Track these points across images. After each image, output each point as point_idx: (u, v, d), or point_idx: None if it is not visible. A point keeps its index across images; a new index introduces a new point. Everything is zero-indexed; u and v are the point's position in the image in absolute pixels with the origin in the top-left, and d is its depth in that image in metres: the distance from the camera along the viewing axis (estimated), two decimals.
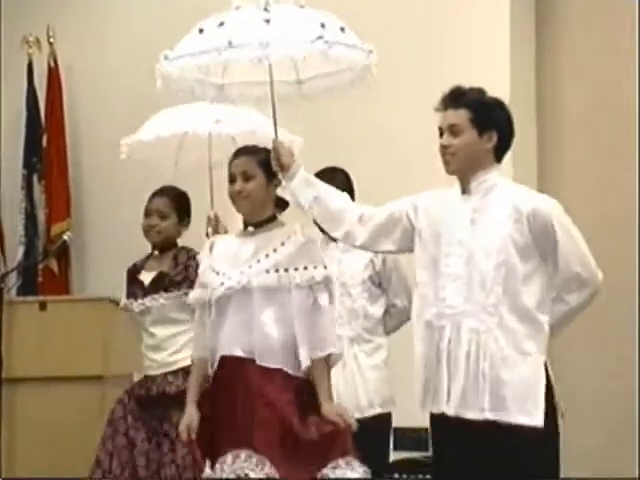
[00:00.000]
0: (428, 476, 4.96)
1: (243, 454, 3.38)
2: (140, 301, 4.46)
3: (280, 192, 3.63)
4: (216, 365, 3.55)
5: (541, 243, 3.36)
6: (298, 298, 3.51)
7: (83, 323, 5.19)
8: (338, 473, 3.39)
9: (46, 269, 6.54)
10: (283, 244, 3.56)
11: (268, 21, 3.44)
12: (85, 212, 6.67)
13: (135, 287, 4.51)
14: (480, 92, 3.49)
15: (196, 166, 4.64)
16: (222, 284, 3.55)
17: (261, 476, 3.33)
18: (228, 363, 3.52)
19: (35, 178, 6.66)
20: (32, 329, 5.42)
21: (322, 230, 3.85)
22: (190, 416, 3.59)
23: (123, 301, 4.55)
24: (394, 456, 4.93)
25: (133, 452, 4.38)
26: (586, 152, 5.16)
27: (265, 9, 3.49)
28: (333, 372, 3.65)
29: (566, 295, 3.43)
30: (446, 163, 3.45)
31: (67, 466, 4.84)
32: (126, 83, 6.23)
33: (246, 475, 3.35)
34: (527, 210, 3.34)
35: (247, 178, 3.59)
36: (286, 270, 3.52)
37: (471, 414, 3.32)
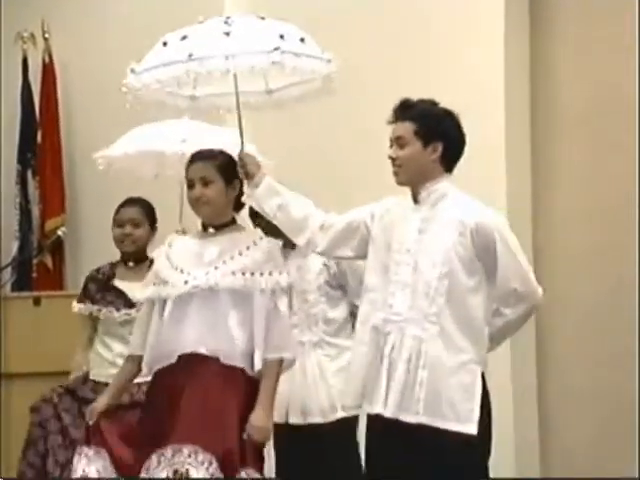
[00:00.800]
0: None
1: (186, 449, 3.35)
2: (125, 311, 4.45)
3: (245, 199, 3.69)
4: (173, 360, 3.54)
5: (483, 257, 3.44)
6: (260, 302, 3.55)
7: (77, 318, 5.18)
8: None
9: (40, 264, 6.56)
10: (249, 248, 3.60)
11: (228, 34, 3.54)
12: (80, 207, 6.67)
13: (111, 296, 4.49)
14: (430, 104, 3.57)
15: (172, 182, 4.65)
16: (186, 282, 3.56)
17: (205, 474, 3.30)
18: (187, 360, 3.52)
19: (29, 173, 6.66)
20: (26, 324, 5.45)
21: (280, 237, 3.83)
22: (99, 403, 3.61)
23: (92, 308, 4.50)
24: None
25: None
26: (581, 150, 5.15)
27: (226, 22, 3.59)
28: (296, 378, 3.93)
29: (504, 309, 3.52)
30: (395, 174, 3.54)
31: None
32: (121, 79, 6.21)
33: (186, 471, 3.31)
34: (471, 224, 3.43)
35: (206, 183, 3.61)
36: (252, 274, 3.55)
37: (407, 417, 3.40)
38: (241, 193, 3.69)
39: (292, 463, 4.36)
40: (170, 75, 3.56)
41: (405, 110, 3.51)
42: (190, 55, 3.48)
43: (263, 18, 3.68)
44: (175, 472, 3.32)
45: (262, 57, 3.49)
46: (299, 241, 3.71)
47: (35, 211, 6.62)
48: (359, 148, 5.35)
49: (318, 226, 3.66)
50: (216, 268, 3.56)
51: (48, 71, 6.64)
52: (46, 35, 6.60)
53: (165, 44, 3.63)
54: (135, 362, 3.68)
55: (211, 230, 3.67)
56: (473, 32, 5.15)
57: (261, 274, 3.56)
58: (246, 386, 3.52)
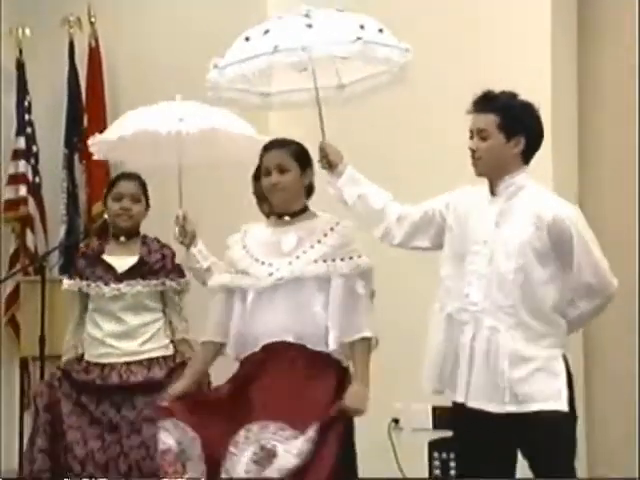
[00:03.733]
0: None
1: (272, 426, 3.49)
2: (114, 286, 4.44)
3: (325, 187, 3.78)
4: (257, 349, 3.66)
5: (559, 250, 3.49)
6: (336, 285, 3.65)
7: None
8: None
9: None
10: (326, 235, 3.70)
11: (310, 26, 3.62)
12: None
13: (100, 271, 4.48)
14: (511, 96, 3.58)
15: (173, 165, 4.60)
16: (271, 274, 3.67)
17: (291, 451, 3.43)
18: (274, 348, 3.64)
19: (76, 157, 6.68)
20: None
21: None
22: (175, 389, 3.75)
23: (81, 283, 4.49)
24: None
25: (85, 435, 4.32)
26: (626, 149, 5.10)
27: (306, 15, 3.68)
28: None
29: (578, 301, 3.57)
30: (474, 165, 3.58)
31: None
32: (167, 63, 6.23)
33: (273, 446, 3.45)
34: (548, 218, 3.47)
35: (282, 170, 3.72)
36: (333, 260, 3.67)
37: (492, 407, 3.47)
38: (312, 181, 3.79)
39: None
40: (255, 68, 3.63)
41: (487, 102, 3.53)
42: (276, 47, 3.55)
43: (341, 11, 3.76)
44: (262, 448, 3.46)
45: (346, 47, 3.56)
46: (376, 232, 3.80)
47: (82, 195, 6.65)
48: (417, 146, 5.33)
49: (395, 218, 3.73)
50: (297, 257, 3.68)
51: (94, 55, 6.65)
52: (92, 19, 6.61)
53: (247, 39, 3.71)
54: (210, 348, 3.82)
55: (286, 218, 3.77)
56: (519, 36, 5.13)
57: (341, 259, 3.68)
58: (333, 369, 3.65)
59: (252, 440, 3.49)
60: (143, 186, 4.54)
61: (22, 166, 6.65)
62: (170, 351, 4.52)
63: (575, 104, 5.21)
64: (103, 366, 4.43)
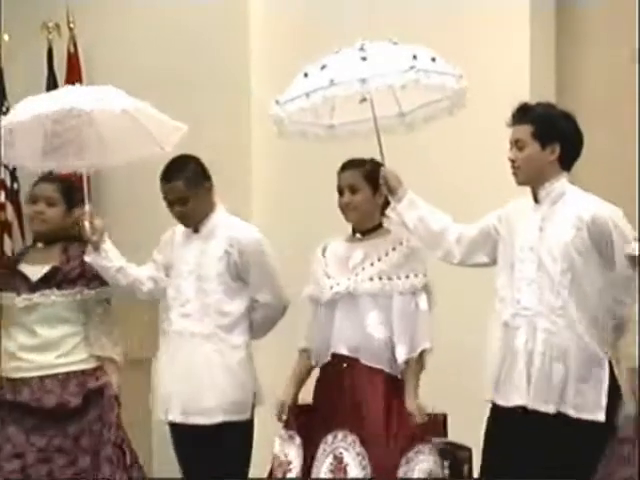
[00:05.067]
0: None
1: (340, 434, 3.81)
2: (25, 296, 4.21)
3: (387, 212, 3.99)
4: (327, 359, 3.97)
5: (601, 248, 3.64)
6: (400, 303, 3.90)
7: None
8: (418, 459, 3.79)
9: None
10: (387, 254, 3.95)
11: (365, 58, 3.81)
12: (104, 198, 6.65)
13: (16, 280, 4.25)
14: (547, 106, 3.77)
15: None
16: (331, 288, 3.96)
17: (353, 454, 3.76)
18: (337, 359, 3.93)
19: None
20: None
21: (186, 225, 4.24)
22: (287, 396, 4.06)
23: None
24: None
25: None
26: (605, 141, 5.11)
27: (361, 48, 3.85)
28: (180, 373, 4.14)
29: (624, 297, 3.70)
30: (514, 175, 3.76)
31: None
32: (147, 71, 6.21)
33: (340, 454, 3.78)
34: (587, 218, 3.63)
35: (354, 191, 3.98)
36: (389, 278, 3.91)
37: (546, 407, 3.61)
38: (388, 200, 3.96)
39: (190, 463, 4.28)
40: (313, 102, 3.80)
41: (523, 113, 3.71)
42: (331, 81, 3.73)
43: (396, 43, 3.92)
44: (335, 457, 3.81)
45: (399, 76, 3.73)
46: (437, 253, 3.94)
47: None
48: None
49: (454, 238, 3.90)
50: (357, 275, 3.94)
51: (73, 61, 6.61)
52: (71, 25, 6.59)
53: (306, 75, 3.90)
54: (305, 355, 4.13)
55: (358, 235, 4.04)
56: (497, 35, 5.17)
57: (398, 277, 3.91)
58: (385, 383, 3.89)
59: (328, 451, 3.82)
60: (64, 190, 4.33)
61: (0, 172, 6.60)
62: (90, 364, 4.31)
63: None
64: (14, 381, 4.22)
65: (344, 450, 3.79)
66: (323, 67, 3.86)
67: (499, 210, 3.88)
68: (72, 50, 6.62)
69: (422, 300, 3.93)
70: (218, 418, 4.15)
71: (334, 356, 3.95)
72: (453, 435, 4.84)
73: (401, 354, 3.87)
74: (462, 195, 5.03)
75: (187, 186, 4.23)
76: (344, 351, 3.92)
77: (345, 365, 3.91)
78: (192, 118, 5.94)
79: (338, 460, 3.80)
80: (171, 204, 4.27)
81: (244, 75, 6.13)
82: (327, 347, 3.97)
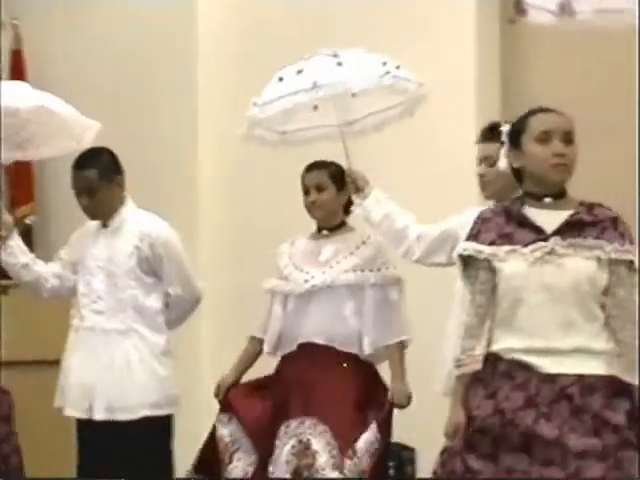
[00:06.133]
0: None
1: (308, 421, 3.97)
2: None
3: (353, 209, 4.16)
4: (293, 349, 4.16)
5: None
6: (371, 294, 4.12)
7: (45, 308, 5.15)
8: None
9: None
10: (359, 248, 4.17)
11: (340, 64, 4.01)
12: (49, 196, 6.61)
13: None
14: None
15: None
16: (306, 281, 4.15)
17: (323, 443, 3.92)
18: (307, 348, 4.13)
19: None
20: None
21: (92, 217, 4.27)
22: (225, 381, 4.23)
23: None
24: None
25: None
26: None
27: (334, 55, 4.05)
28: (101, 369, 4.17)
29: None
30: (482, 189, 3.94)
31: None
32: (92, 67, 6.18)
33: (308, 440, 3.94)
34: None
35: (320, 190, 4.20)
36: (362, 270, 4.14)
37: None
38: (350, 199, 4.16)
39: (96, 462, 4.24)
40: (296, 103, 3.97)
41: (493, 132, 3.70)
42: (315, 83, 3.91)
43: (363, 51, 4.10)
44: (299, 442, 3.94)
45: (377, 80, 3.93)
46: (398, 250, 4.07)
47: (4, 199, 6.55)
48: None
49: (415, 236, 4.01)
50: (331, 267, 4.15)
51: (17, 59, 6.55)
52: (14, 22, 6.52)
53: (281, 79, 4.07)
54: (256, 343, 4.30)
55: (325, 232, 4.24)
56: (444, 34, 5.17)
57: (371, 270, 4.14)
58: (360, 369, 4.11)
59: (290, 434, 3.96)
60: None
61: None
62: None
63: (498, 112, 5.27)
64: None
65: (312, 437, 3.94)
66: (299, 72, 4.03)
67: (460, 216, 3.97)
68: (16, 48, 6.55)
69: (393, 292, 4.15)
70: (141, 413, 4.16)
71: (304, 345, 4.13)
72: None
73: (367, 345, 4.08)
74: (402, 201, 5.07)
75: (99, 176, 4.25)
76: (320, 340, 4.11)
77: (323, 354, 4.10)
78: (138, 134, 5.99)
79: (304, 445, 3.94)
80: (79, 194, 4.28)
81: (192, 96, 6.13)
82: (295, 337, 4.15)
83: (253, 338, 4.30)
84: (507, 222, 3.21)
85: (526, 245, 3.14)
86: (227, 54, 6.07)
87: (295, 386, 4.08)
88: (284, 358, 4.22)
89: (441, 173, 5.18)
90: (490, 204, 3.86)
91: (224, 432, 4.13)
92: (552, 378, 3.07)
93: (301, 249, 4.27)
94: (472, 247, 3.22)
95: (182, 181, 6.02)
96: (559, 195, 3.20)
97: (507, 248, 3.16)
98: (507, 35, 5.34)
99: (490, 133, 3.80)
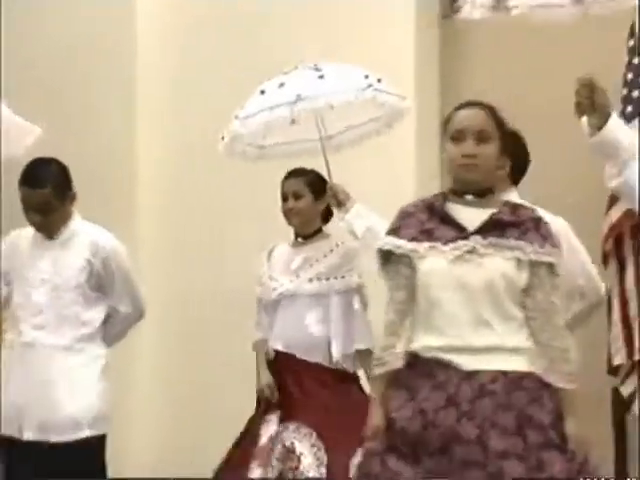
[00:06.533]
0: None
1: (291, 425, 4.11)
2: None
3: (338, 221, 4.25)
4: (273, 354, 4.29)
5: None
6: (337, 302, 4.24)
7: None
8: None
9: None
10: (326, 256, 4.29)
11: (322, 77, 4.06)
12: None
13: None
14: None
15: None
16: (274, 290, 4.28)
17: (307, 445, 4.04)
18: (280, 356, 4.27)
19: None
20: None
21: (41, 231, 4.10)
22: (268, 378, 4.27)
23: None
24: None
25: None
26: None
27: (316, 68, 4.11)
28: (36, 387, 3.99)
29: (570, 303, 3.88)
30: None
31: None
32: (32, 62, 6.06)
33: (292, 444, 4.06)
34: None
35: (297, 197, 4.29)
36: (327, 279, 4.26)
37: None
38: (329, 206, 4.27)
39: None
40: (278, 116, 3.98)
41: None
42: (298, 96, 3.93)
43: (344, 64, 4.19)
44: (283, 446, 4.09)
45: (359, 93, 3.95)
46: None
47: None
48: None
49: None
50: (298, 276, 4.28)
51: None
52: None
53: (263, 92, 4.10)
54: (263, 344, 4.38)
55: (300, 240, 4.36)
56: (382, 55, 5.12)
57: (335, 278, 4.26)
58: (325, 375, 4.22)
59: (275, 441, 4.11)
60: None
61: None
62: None
63: (438, 117, 5.24)
64: None
65: (296, 441, 4.06)
66: (281, 85, 4.07)
67: None
68: None
69: (355, 300, 4.26)
70: (81, 433, 4.01)
71: (277, 353, 4.27)
72: None
73: (335, 352, 4.19)
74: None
75: (54, 195, 4.09)
76: (281, 348, 4.24)
77: (288, 362, 4.23)
78: (78, 135, 5.88)
79: (288, 449, 4.07)
80: (30, 210, 4.10)
81: (131, 93, 6.04)
82: (269, 345, 4.29)
83: (262, 340, 4.38)
84: (429, 218, 3.17)
85: (447, 242, 3.11)
86: (167, 50, 6.00)
87: (280, 394, 4.24)
88: (268, 364, 4.32)
89: (389, 176, 5.15)
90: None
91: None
92: (471, 375, 3.03)
93: (279, 257, 4.38)
94: (392, 242, 3.17)
95: (120, 178, 5.92)
96: (481, 193, 3.17)
97: (427, 244, 3.12)
98: (447, 35, 5.36)
99: None
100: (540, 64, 5.12)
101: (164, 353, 5.89)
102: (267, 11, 5.61)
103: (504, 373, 3.04)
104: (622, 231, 4.72)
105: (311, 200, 4.28)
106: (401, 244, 3.15)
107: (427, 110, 5.06)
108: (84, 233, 4.17)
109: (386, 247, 3.18)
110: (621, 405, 4.78)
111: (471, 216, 3.14)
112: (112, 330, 4.22)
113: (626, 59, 4.76)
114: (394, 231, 3.21)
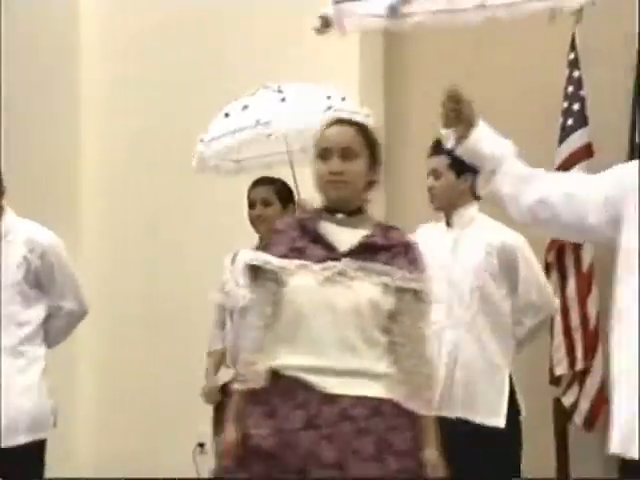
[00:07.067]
0: None
1: None
2: None
3: None
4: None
5: (506, 273, 4.00)
6: None
7: None
8: None
9: None
10: None
11: (284, 99, 4.18)
12: None
13: None
14: None
15: None
16: (244, 297, 3.97)
17: None
18: None
19: None
20: None
21: None
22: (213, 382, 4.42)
23: None
24: None
25: None
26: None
27: (279, 91, 4.23)
28: None
29: (524, 319, 4.07)
30: (431, 201, 4.13)
31: None
32: None
33: None
34: (497, 244, 3.99)
35: (266, 204, 4.32)
36: None
37: (447, 413, 3.86)
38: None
39: None
40: (240, 140, 4.14)
41: (439, 146, 3.71)
42: (257, 120, 4.06)
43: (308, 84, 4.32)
44: None
45: (319, 116, 3.87)
46: None
47: None
48: None
49: None
50: None
51: None
52: None
53: (227, 115, 4.25)
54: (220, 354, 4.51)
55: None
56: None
57: None
58: None
59: None
60: None
61: None
62: None
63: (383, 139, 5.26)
64: None
65: None
66: (245, 107, 4.20)
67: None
68: None
69: None
70: (19, 439, 3.90)
71: None
72: None
73: None
74: None
75: None
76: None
77: None
78: (20, 136, 5.83)
79: None
80: None
81: (74, 96, 6.01)
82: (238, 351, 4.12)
83: (213, 352, 4.49)
84: (301, 236, 3.16)
85: (317, 262, 3.10)
86: (109, 53, 6.02)
87: None
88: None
89: None
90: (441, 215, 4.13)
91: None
92: (333, 398, 3.01)
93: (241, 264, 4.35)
94: (261, 258, 3.16)
95: (63, 180, 5.92)
96: (353, 212, 3.18)
97: (297, 263, 3.11)
98: (391, 46, 5.38)
99: (436, 147, 3.90)
100: (480, 70, 5.14)
101: (103, 354, 5.89)
102: (210, 16, 5.63)
103: (364, 398, 3.02)
104: (564, 242, 4.77)
105: (279, 208, 4.32)
106: (270, 260, 3.14)
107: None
108: (19, 229, 4.05)
109: (255, 263, 3.17)
110: (563, 415, 4.83)
111: (343, 236, 3.14)
112: (55, 329, 4.11)
113: (567, 72, 4.82)
114: (265, 247, 3.23)
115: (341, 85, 4.97)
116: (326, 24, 3.33)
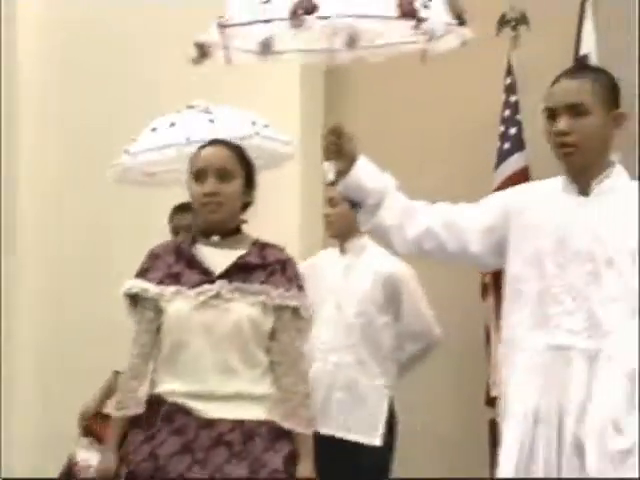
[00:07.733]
0: None
1: None
2: None
3: None
4: None
5: (391, 301, 4.18)
6: None
7: None
8: None
9: None
10: None
11: (212, 121, 4.24)
12: None
13: None
14: None
15: None
16: None
17: None
18: None
19: None
20: None
21: None
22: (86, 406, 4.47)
23: None
24: None
25: None
26: None
27: (207, 111, 4.30)
28: None
29: (405, 345, 4.27)
30: (327, 230, 4.33)
31: None
32: None
33: None
34: (384, 273, 4.15)
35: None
36: None
37: (325, 430, 3.98)
38: None
39: None
40: (168, 156, 4.17)
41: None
42: (188, 139, 4.08)
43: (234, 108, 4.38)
44: None
45: (246, 141, 3.98)
46: None
47: None
48: None
49: None
50: None
51: None
52: None
53: (154, 130, 4.29)
54: None
55: None
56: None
57: None
58: None
59: None
60: None
61: None
62: None
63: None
64: None
65: None
66: (172, 124, 4.25)
67: (311, 259, 4.37)
68: None
69: None
70: None
71: None
72: None
73: None
74: None
75: None
76: None
77: None
78: None
79: None
80: None
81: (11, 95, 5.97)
82: None
83: None
84: (177, 261, 3.16)
85: (192, 287, 3.10)
86: (49, 59, 6.04)
87: None
88: None
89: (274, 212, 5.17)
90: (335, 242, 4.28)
91: (84, 456, 4.29)
92: (211, 423, 3.04)
93: None
94: (139, 285, 3.16)
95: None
96: (229, 233, 3.19)
97: (173, 289, 3.11)
98: (331, 83, 5.41)
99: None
100: (419, 98, 5.23)
101: (40, 353, 6.02)
102: (152, 15, 5.64)
103: (242, 422, 3.07)
104: None
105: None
106: (148, 287, 3.14)
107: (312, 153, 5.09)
108: None
109: (133, 290, 3.16)
110: (498, 436, 4.85)
111: (218, 259, 3.14)
112: None
113: (503, 97, 4.86)
114: (142, 273, 3.19)
115: (281, 118, 4.99)
116: (203, 53, 3.16)
